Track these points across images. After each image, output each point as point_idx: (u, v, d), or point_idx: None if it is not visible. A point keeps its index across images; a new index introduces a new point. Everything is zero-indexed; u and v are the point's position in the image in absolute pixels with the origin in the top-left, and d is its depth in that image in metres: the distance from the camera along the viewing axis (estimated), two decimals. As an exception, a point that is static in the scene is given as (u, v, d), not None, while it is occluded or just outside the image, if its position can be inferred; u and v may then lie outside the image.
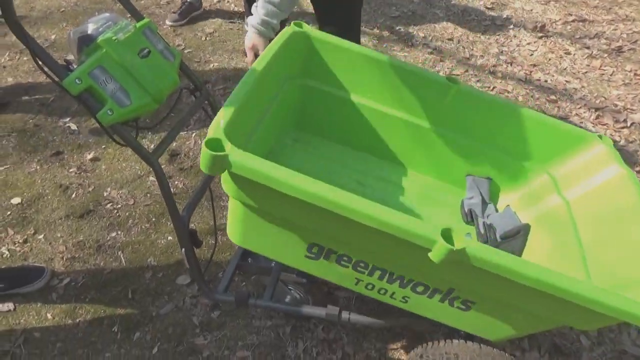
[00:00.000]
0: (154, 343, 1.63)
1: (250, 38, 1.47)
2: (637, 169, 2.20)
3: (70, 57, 1.16)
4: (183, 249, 1.31)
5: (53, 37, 3.30)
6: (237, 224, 1.20)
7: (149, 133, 2.48)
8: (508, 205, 1.56)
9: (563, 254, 1.30)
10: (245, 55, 1.53)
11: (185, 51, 3.16)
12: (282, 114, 1.56)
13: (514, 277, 0.95)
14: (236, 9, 3.61)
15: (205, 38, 3.31)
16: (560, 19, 3.48)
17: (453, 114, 1.52)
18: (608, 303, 0.95)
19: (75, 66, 1.10)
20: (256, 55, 1.48)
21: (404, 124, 1.58)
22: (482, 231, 1.50)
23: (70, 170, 2.30)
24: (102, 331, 1.67)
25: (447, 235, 0.94)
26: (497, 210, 1.57)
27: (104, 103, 1.10)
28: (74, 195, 2.17)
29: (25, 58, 3.08)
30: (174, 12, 3.47)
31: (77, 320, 1.70)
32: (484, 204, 1.57)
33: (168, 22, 3.42)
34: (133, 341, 1.64)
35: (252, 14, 1.48)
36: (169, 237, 1.99)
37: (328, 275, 1.23)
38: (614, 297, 0.96)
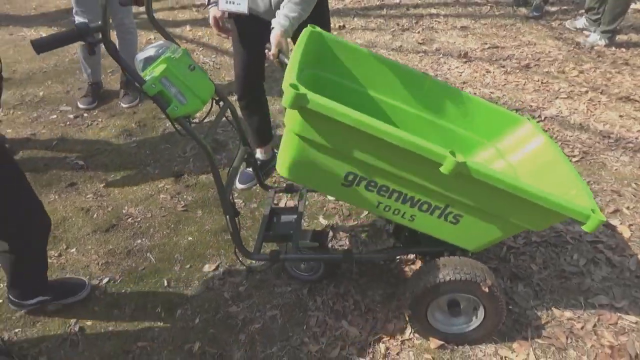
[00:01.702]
0: (195, 316, 1.93)
1: (276, 35, 1.80)
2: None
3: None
4: (227, 216, 1.68)
5: (41, 93, 3.61)
6: (288, 159, 1.51)
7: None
8: None
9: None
10: None
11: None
12: None
13: (497, 184, 1.38)
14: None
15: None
16: (478, 47, 4.24)
17: (429, 100, 1.98)
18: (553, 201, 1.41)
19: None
20: (279, 50, 1.81)
21: (392, 108, 2.00)
22: None
23: (87, 196, 2.59)
24: (147, 313, 1.95)
25: (453, 154, 1.37)
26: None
27: (170, 102, 1.51)
28: (95, 215, 2.46)
29: (19, 112, 3.36)
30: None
31: (122, 307, 1.98)
32: None
33: (123, 105, 3.46)
34: (176, 317, 1.93)
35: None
36: (189, 238, 2.31)
37: (355, 201, 1.58)
38: (558, 198, 1.42)
